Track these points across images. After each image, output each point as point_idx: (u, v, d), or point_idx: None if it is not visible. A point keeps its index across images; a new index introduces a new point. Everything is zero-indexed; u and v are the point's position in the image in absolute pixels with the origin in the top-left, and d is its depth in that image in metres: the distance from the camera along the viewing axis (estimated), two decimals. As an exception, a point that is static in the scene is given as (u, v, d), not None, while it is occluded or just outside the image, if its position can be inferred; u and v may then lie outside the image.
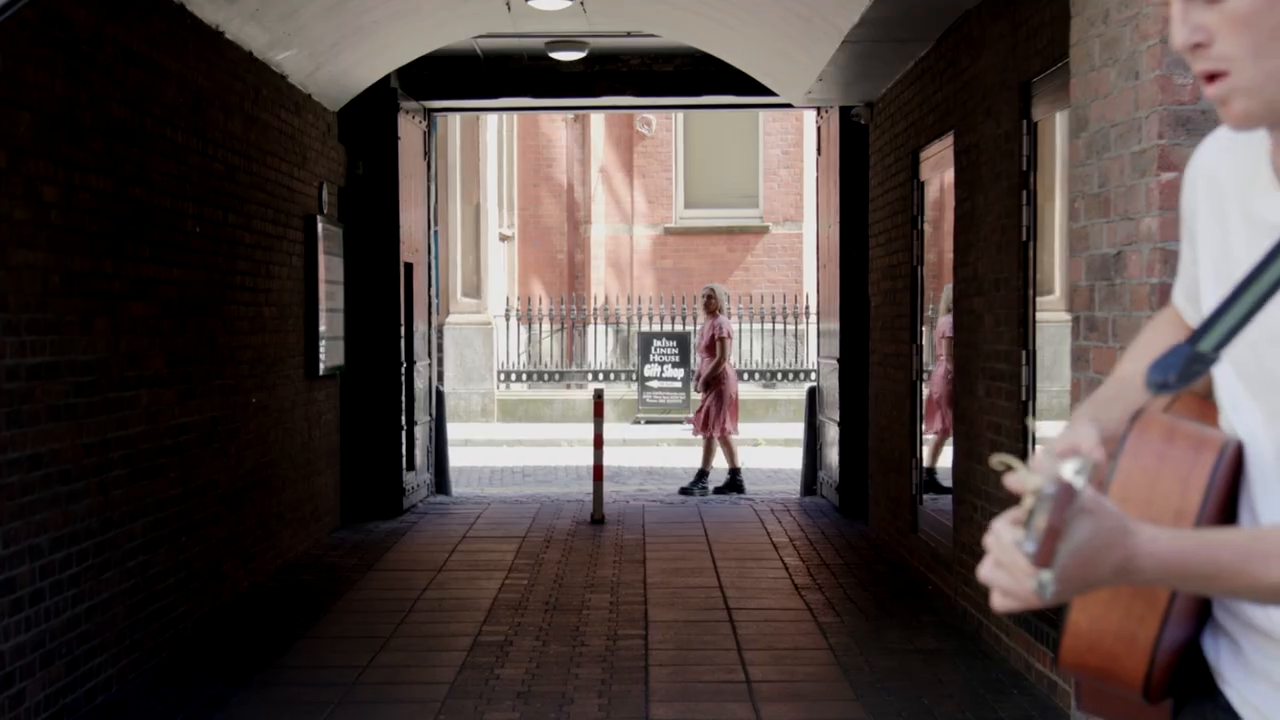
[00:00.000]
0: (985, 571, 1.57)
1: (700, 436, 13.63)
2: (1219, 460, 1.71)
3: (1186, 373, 1.56)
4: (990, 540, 1.57)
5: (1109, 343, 4.84)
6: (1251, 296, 1.57)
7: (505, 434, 19.52)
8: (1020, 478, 1.54)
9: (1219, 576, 1.59)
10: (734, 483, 13.31)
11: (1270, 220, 1.66)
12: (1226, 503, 1.76)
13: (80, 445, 6.18)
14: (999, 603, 1.57)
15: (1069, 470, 1.51)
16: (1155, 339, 1.95)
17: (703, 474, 13.40)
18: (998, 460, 1.56)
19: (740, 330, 22.36)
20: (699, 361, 13.87)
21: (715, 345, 13.52)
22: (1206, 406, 1.84)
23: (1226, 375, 1.76)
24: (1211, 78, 1.59)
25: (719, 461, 13.49)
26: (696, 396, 14.42)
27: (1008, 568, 1.54)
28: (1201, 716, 1.80)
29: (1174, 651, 1.74)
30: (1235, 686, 1.77)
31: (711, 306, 13.66)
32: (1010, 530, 1.54)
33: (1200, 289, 1.83)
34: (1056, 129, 6.65)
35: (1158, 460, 1.73)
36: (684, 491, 13.26)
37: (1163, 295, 4.34)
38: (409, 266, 11.99)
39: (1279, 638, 1.71)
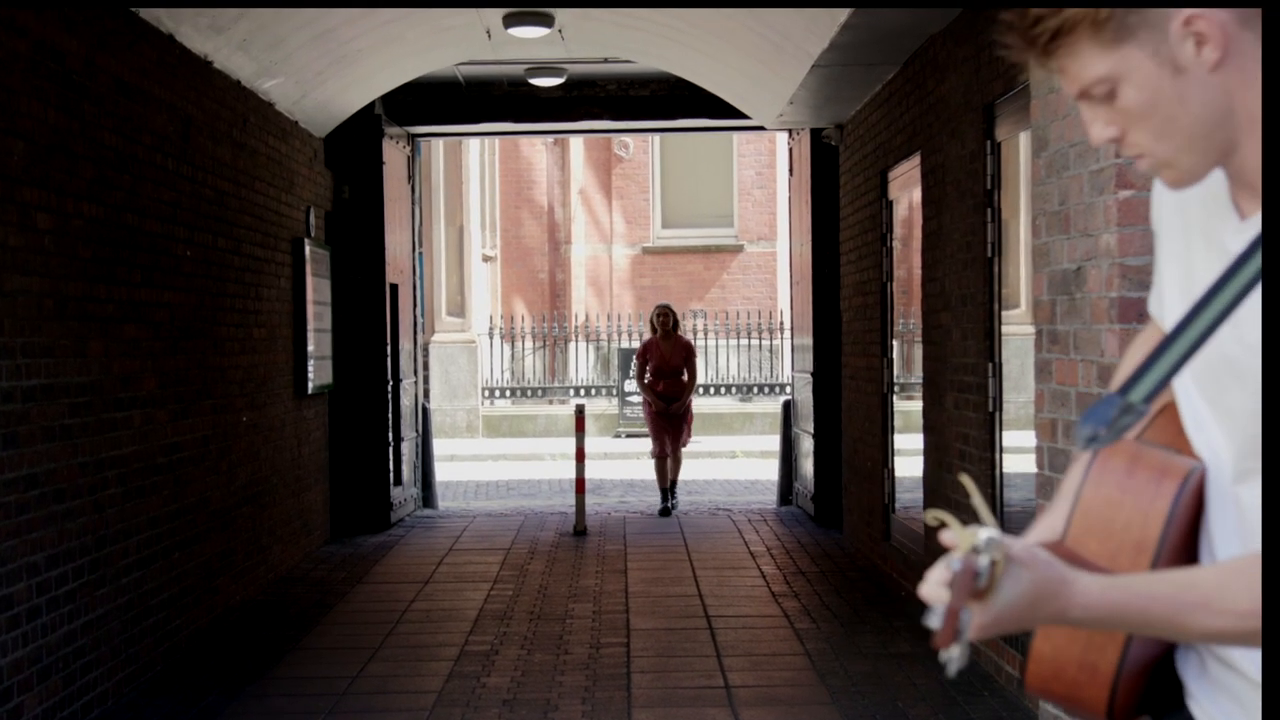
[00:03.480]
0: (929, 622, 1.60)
1: (667, 455, 13.19)
2: (1180, 491, 1.69)
3: (1117, 425, 1.58)
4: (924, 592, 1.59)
5: (1070, 355, 4.96)
6: (1182, 344, 1.59)
7: (490, 449, 19.65)
8: (954, 534, 1.56)
9: (1150, 626, 1.63)
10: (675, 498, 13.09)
11: (1231, 249, 1.67)
12: (1190, 531, 1.73)
13: (75, 465, 6.28)
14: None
15: (981, 538, 1.52)
16: (1139, 352, 1.96)
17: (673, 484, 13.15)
18: (932, 516, 1.61)
19: (717, 346, 22.58)
20: (658, 384, 13.14)
21: (691, 362, 13.36)
22: (1181, 429, 1.82)
23: (1190, 396, 1.74)
24: (1138, 157, 1.75)
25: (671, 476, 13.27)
26: (637, 412, 13.72)
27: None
28: None
29: (1141, 669, 1.75)
30: (1201, 702, 1.76)
31: (670, 324, 13.30)
32: (937, 590, 1.57)
33: (1164, 300, 1.85)
34: (1019, 149, 6.76)
35: (1119, 491, 1.72)
36: (665, 513, 12.85)
37: (1122, 308, 4.47)
38: (394, 287, 12.15)
39: (1231, 662, 1.73)
